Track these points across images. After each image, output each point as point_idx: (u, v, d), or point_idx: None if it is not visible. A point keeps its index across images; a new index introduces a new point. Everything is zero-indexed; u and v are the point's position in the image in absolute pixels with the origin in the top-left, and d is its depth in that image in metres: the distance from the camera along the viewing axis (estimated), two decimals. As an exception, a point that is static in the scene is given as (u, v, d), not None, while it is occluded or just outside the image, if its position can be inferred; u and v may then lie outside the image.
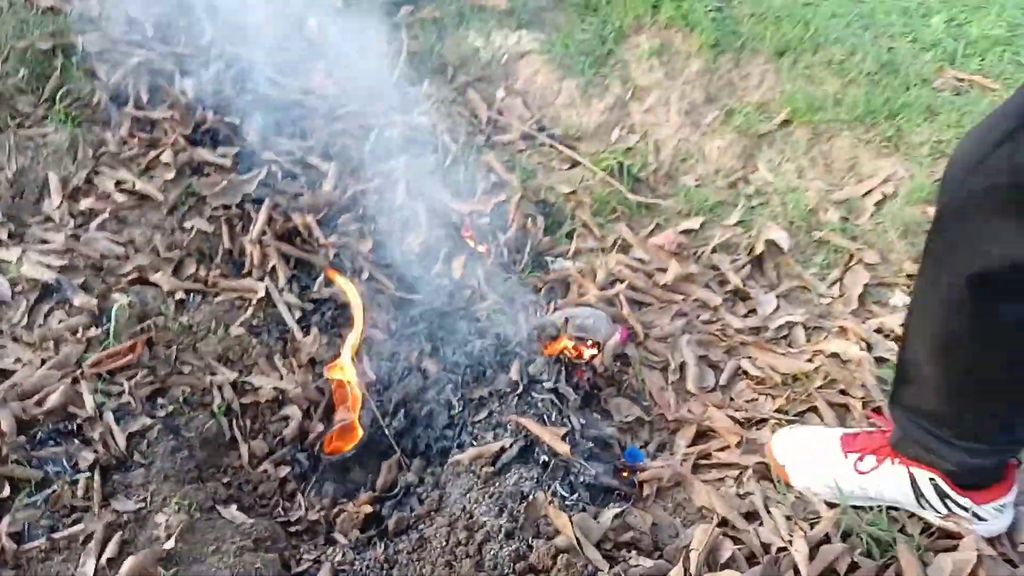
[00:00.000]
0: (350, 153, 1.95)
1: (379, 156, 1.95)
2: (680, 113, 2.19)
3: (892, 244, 1.81)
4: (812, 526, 1.28)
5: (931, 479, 1.24)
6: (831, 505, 1.32)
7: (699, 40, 2.31)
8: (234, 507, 1.25)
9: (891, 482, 1.27)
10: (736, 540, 1.26)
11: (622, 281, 1.71)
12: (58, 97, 1.84)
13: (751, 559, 1.24)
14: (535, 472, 1.31)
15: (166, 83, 1.98)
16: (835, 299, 1.73)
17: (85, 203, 1.67)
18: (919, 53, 2.35)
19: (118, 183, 1.72)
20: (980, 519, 1.25)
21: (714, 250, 1.85)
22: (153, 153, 1.80)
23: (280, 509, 1.31)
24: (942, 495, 1.24)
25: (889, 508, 1.30)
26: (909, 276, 1.78)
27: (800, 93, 2.17)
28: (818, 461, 1.33)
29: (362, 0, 2.35)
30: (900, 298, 1.72)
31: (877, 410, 1.45)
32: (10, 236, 1.57)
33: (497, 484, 1.28)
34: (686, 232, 1.89)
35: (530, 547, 1.18)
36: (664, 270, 1.76)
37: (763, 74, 2.26)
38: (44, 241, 1.58)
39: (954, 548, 1.25)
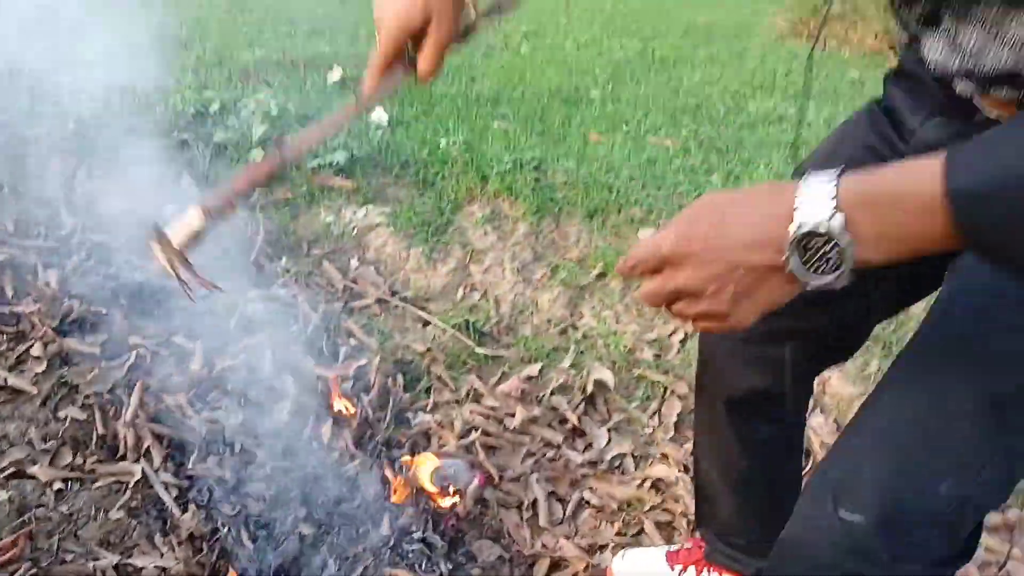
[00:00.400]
0: (215, 331, 2.10)
1: (244, 331, 2.11)
2: (513, 271, 2.51)
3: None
4: None
5: None
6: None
7: (523, 207, 2.67)
8: None
9: None
10: None
11: (477, 429, 1.93)
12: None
13: None
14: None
15: (30, 276, 2.08)
16: (656, 428, 2.03)
17: (-47, 403, 1.72)
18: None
19: (-14, 379, 1.79)
20: None
21: (552, 392, 2.12)
22: (22, 347, 1.88)
23: None
24: None
25: (710, 609, 1.55)
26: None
27: (610, 249, 2.55)
28: None
29: (215, 186, 2.55)
30: (708, 422, 2.05)
31: (694, 529, 1.72)
32: None
33: None
34: (528, 378, 2.15)
35: None
36: (512, 415, 2.00)
37: (579, 233, 2.64)
38: (-88, 445, 1.62)
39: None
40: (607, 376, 2.14)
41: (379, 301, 2.37)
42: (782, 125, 3.94)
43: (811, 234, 0.63)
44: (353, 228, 2.57)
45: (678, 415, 2.04)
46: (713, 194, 0.71)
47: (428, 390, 2.08)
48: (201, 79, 3.29)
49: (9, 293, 2.02)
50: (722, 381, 1.30)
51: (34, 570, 1.46)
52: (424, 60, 0.98)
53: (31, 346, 1.89)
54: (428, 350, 2.19)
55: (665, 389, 2.12)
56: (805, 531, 0.93)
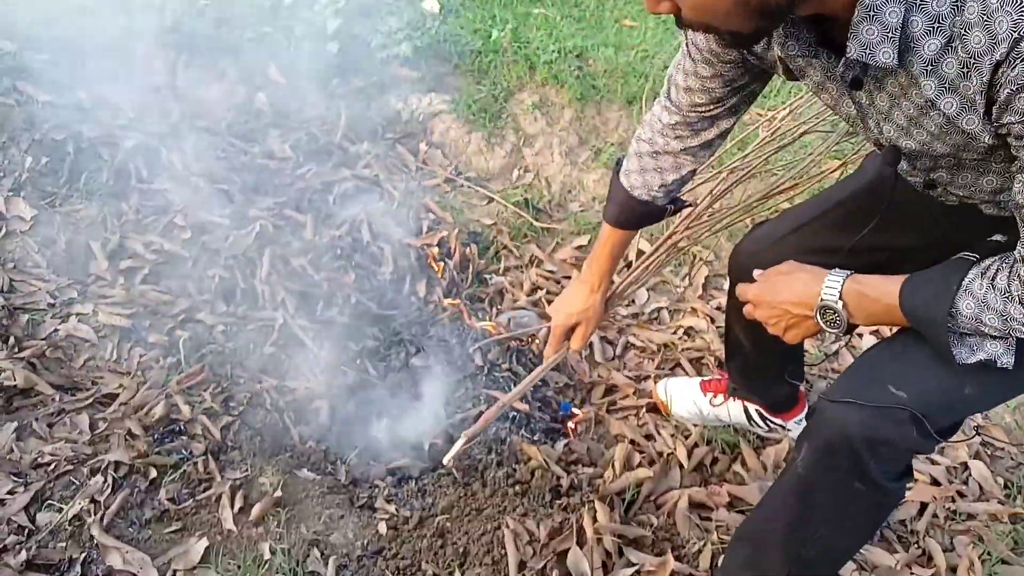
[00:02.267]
0: (318, 205, 2.49)
1: (341, 205, 2.51)
2: (561, 154, 2.87)
3: (721, 245, 2.56)
4: (687, 438, 1.98)
5: (756, 410, 1.93)
6: (697, 425, 2.02)
7: (568, 94, 2.99)
8: (304, 469, 1.80)
9: (733, 411, 1.97)
10: (641, 452, 1.93)
11: (540, 288, 2.36)
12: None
13: (651, 463, 1.92)
14: (507, 424, 1.94)
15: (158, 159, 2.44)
16: (686, 288, 2.46)
17: (125, 263, 2.14)
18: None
19: (146, 244, 2.20)
20: (788, 429, 1.96)
21: (600, 259, 2.53)
22: (166, 218, 2.28)
23: (331, 469, 1.86)
24: (763, 418, 1.93)
25: (734, 426, 2.02)
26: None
27: (648, 135, 2.89)
28: (687, 399, 2.02)
29: (299, 74, 2.87)
30: (729, 283, 2.47)
31: (720, 365, 2.17)
32: (78, 295, 2.02)
33: (483, 434, 1.90)
34: (579, 247, 2.56)
35: (514, 469, 1.81)
36: (568, 277, 2.42)
37: (619, 119, 2.98)
38: (104, 296, 2.04)
39: (776, 443, 1.99)
40: (645, 246, 2.54)
41: (447, 180, 2.74)
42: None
43: (826, 308, 1.19)
44: (419, 115, 2.90)
45: (705, 278, 2.46)
46: (779, 269, 1.29)
47: (497, 256, 2.49)
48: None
49: (144, 173, 2.40)
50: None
51: (219, 389, 1.92)
52: (574, 342, 1.72)
53: (174, 217, 2.29)
54: (494, 223, 2.59)
55: (695, 256, 2.53)
56: (858, 394, 1.19)
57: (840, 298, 1.17)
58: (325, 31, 2.92)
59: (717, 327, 2.30)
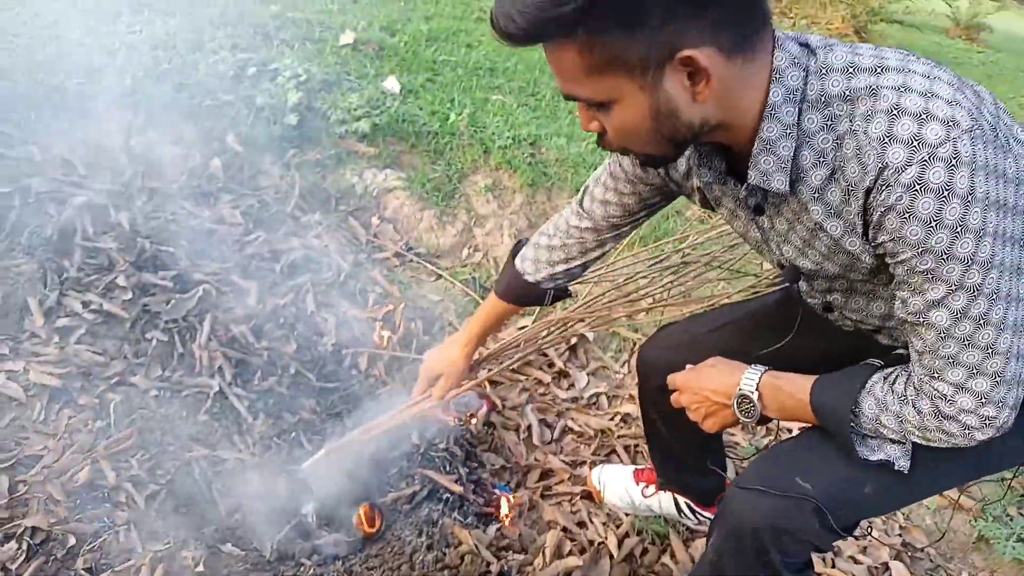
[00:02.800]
0: (265, 272, 2.50)
1: (288, 274, 2.51)
2: (510, 236, 2.93)
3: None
4: (618, 527, 1.99)
5: (686, 502, 1.94)
6: (628, 515, 2.04)
7: (520, 179, 3.09)
8: (229, 544, 1.76)
9: (664, 502, 1.99)
10: (572, 539, 1.94)
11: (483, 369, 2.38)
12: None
13: (582, 551, 1.92)
14: (439, 506, 1.93)
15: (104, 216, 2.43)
16: (626, 374, 2.51)
17: (61, 321, 2.10)
18: (675, 191, 3.26)
19: (85, 303, 2.16)
20: None
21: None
22: (108, 277, 2.26)
23: (255, 544, 1.82)
24: (693, 511, 1.94)
25: (665, 517, 2.03)
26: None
27: (595, 223, 2.98)
28: (619, 487, 2.04)
29: (256, 143, 2.91)
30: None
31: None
32: (10, 351, 1.98)
33: (414, 516, 1.89)
34: (522, 328, 2.60)
35: (444, 553, 1.79)
36: (511, 358, 2.45)
37: (567, 206, 3.06)
38: (36, 354, 2.00)
39: (705, 536, 2.01)
40: (587, 332, 2.60)
41: (397, 255, 2.78)
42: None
43: (743, 397, 1.28)
44: (374, 189, 2.95)
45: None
46: (708, 362, 1.38)
47: (443, 332, 2.51)
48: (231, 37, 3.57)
49: (90, 230, 2.38)
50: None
51: (147, 456, 1.87)
52: (436, 391, 1.85)
53: (116, 277, 2.27)
54: (440, 300, 2.62)
55: (634, 343, 2.59)
56: (767, 482, 1.25)
57: (756, 389, 1.27)
58: (286, 103, 2.98)
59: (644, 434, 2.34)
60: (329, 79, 3.30)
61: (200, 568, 1.63)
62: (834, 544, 1.43)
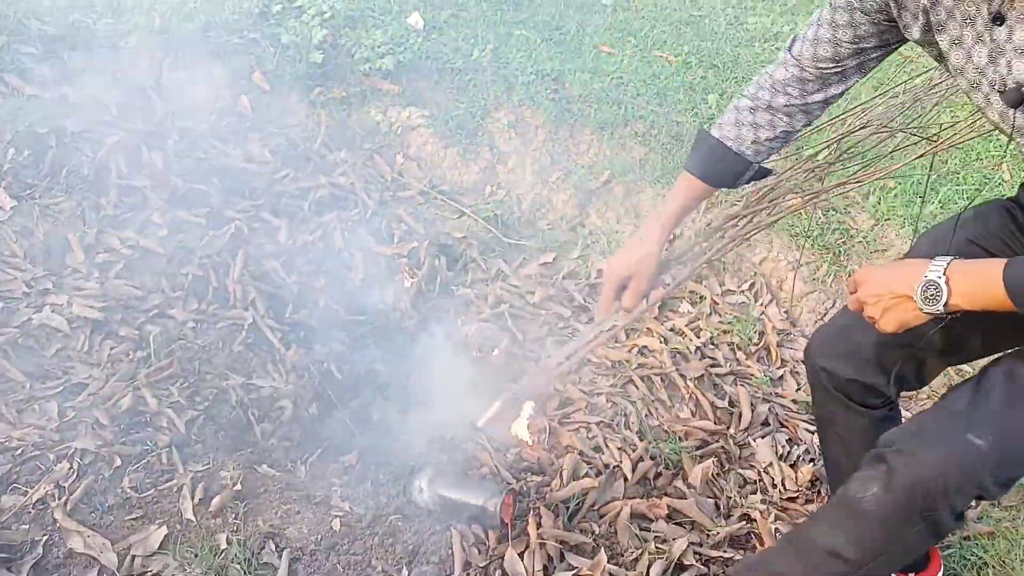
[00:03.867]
0: (294, 209, 2.57)
1: (316, 211, 2.59)
2: (533, 173, 2.97)
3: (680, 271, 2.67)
4: (633, 451, 2.08)
5: None
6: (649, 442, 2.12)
7: (543, 116, 3.10)
8: (265, 465, 1.87)
9: None
10: (588, 463, 2.03)
11: (505, 302, 2.45)
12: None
13: (598, 474, 2.01)
14: (468, 447, 2.02)
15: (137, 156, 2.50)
16: (645, 308, 2.56)
17: (100, 257, 2.20)
18: (698, 126, 3.24)
19: (123, 240, 2.26)
20: None
21: (564, 277, 2.63)
22: (144, 214, 2.35)
23: (290, 466, 1.93)
24: None
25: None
26: (691, 292, 2.65)
27: (616, 158, 3.00)
28: None
29: (282, 81, 2.95)
30: (686, 307, 2.58)
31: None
32: (53, 285, 2.08)
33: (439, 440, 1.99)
34: (544, 264, 2.66)
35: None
36: (532, 292, 2.52)
37: (590, 143, 3.08)
38: (78, 288, 2.10)
39: (712, 457, 2.09)
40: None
41: (421, 192, 2.83)
42: (776, 43, 4.29)
43: (929, 283, 1.16)
44: (398, 127, 2.99)
45: (662, 300, 2.57)
46: (894, 261, 1.29)
47: (465, 269, 2.58)
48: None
49: (124, 169, 2.46)
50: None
51: (186, 384, 1.98)
52: (626, 300, 1.63)
53: (151, 215, 2.35)
54: (464, 237, 2.68)
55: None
56: (936, 442, 1.20)
57: (944, 274, 1.17)
58: (311, 41, 3.00)
59: (670, 348, 2.41)
60: (354, 15, 3.31)
61: (238, 487, 1.75)
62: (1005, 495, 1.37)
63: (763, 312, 2.61)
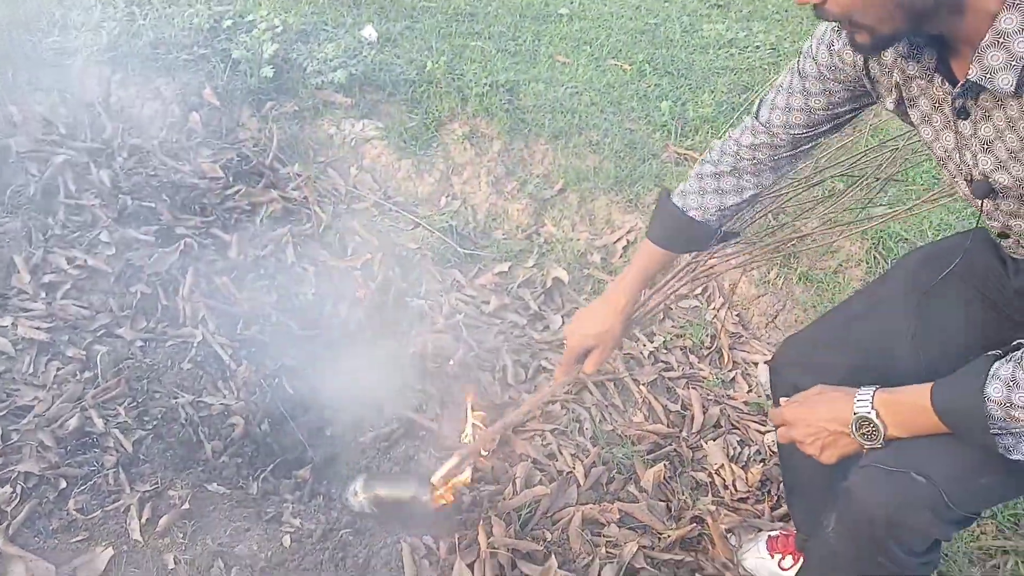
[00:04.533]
0: (245, 225, 2.56)
1: (268, 226, 2.58)
2: (488, 184, 2.98)
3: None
4: (586, 457, 2.09)
5: None
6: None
7: (497, 127, 3.12)
8: (215, 483, 1.86)
9: None
10: (542, 470, 2.04)
11: (460, 312, 2.46)
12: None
13: (552, 481, 2.02)
14: (415, 442, 2.02)
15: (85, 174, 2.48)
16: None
17: (47, 277, 2.18)
18: (651, 133, 3.29)
19: (70, 259, 2.24)
20: None
21: (519, 285, 2.65)
22: (91, 233, 2.32)
23: (241, 483, 1.92)
24: None
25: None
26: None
27: (571, 167, 3.03)
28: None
29: (233, 96, 2.94)
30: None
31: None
32: (-1, 307, 2.06)
33: (392, 452, 1.99)
34: (499, 274, 2.67)
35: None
36: (487, 302, 2.53)
37: (544, 152, 3.10)
38: (24, 310, 2.08)
39: (666, 461, 2.11)
40: (563, 274, 2.67)
41: (376, 204, 2.83)
42: (731, 49, 4.34)
43: (862, 419, 1.20)
44: (352, 140, 2.99)
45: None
46: (809, 391, 1.31)
47: (420, 280, 2.58)
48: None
49: (72, 188, 2.44)
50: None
51: (134, 404, 1.97)
52: (587, 366, 1.66)
53: (99, 233, 2.33)
54: (419, 248, 2.69)
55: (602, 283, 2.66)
56: (881, 480, 1.20)
57: (872, 408, 1.20)
58: (262, 55, 3.00)
59: (624, 353, 2.43)
60: (306, 29, 3.31)
61: (186, 506, 1.73)
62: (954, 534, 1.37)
63: (715, 316, 2.64)
